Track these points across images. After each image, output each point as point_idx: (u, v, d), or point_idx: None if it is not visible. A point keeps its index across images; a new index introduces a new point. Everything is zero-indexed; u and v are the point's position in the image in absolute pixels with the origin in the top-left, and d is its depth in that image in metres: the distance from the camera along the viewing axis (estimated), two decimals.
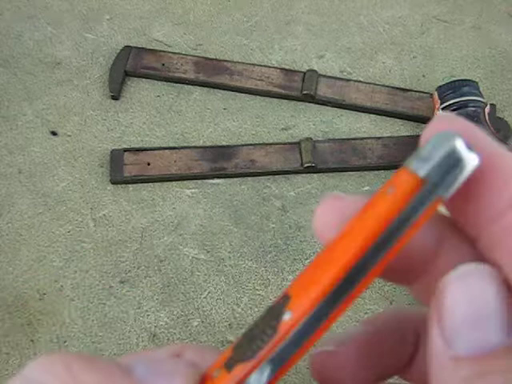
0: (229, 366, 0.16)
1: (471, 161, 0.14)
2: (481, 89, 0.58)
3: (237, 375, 0.16)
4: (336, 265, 0.15)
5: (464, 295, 0.15)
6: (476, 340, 0.14)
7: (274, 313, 0.16)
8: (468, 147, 0.14)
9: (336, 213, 0.16)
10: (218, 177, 0.59)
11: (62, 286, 0.54)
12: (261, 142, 0.61)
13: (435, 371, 0.15)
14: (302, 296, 0.15)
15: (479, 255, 0.16)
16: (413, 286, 0.18)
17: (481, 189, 0.15)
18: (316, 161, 0.59)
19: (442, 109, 0.57)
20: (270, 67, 0.64)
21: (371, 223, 0.15)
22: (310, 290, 0.15)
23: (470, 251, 0.17)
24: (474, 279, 0.15)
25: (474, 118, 0.56)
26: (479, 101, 0.56)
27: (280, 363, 0.16)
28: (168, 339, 0.52)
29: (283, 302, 0.16)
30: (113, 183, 0.58)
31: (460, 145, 0.14)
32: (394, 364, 0.19)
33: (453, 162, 0.14)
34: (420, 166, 0.14)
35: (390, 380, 0.19)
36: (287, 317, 0.15)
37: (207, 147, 0.60)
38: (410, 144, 0.61)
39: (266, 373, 0.16)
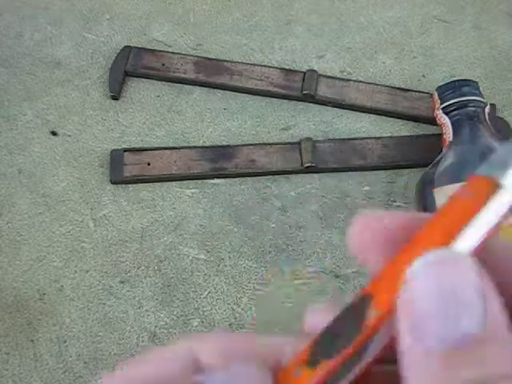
0: (312, 363, 0.16)
1: None
2: (481, 89, 0.58)
3: (322, 372, 0.16)
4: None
5: (435, 284, 0.14)
6: (449, 332, 0.14)
7: (357, 312, 0.16)
8: None
9: (374, 233, 0.16)
10: (218, 177, 0.59)
11: (62, 286, 0.54)
12: (261, 142, 0.60)
13: (408, 368, 0.14)
14: (385, 295, 0.15)
15: None
16: None
17: None
18: (316, 161, 0.59)
19: (442, 109, 0.57)
20: (270, 67, 0.64)
21: (452, 220, 0.15)
22: (392, 290, 0.15)
23: None
24: (446, 266, 0.14)
25: (474, 117, 0.55)
26: (479, 101, 0.56)
27: (364, 361, 0.16)
28: (168, 339, 0.52)
29: (364, 301, 0.16)
30: (113, 183, 0.58)
31: None
32: None
33: None
34: (496, 172, 0.15)
35: None
36: (374, 316, 0.15)
37: (207, 147, 0.60)
38: (410, 144, 0.61)
39: (352, 369, 0.16)
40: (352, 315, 0.16)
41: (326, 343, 0.16)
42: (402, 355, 0.14)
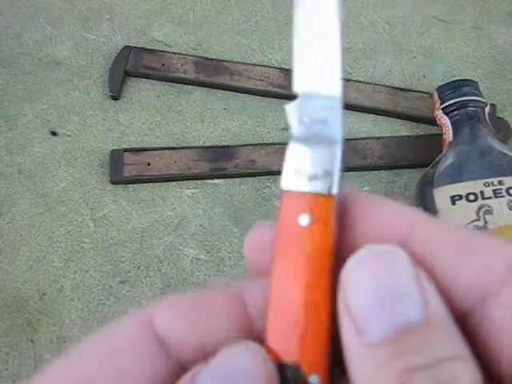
0: None
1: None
2: (481, 89, 0.58)
3: None
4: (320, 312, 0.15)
5: (371, 277, 0.14)
6: (389, 321, 0.14)
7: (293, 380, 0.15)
8: None
9: (260, 239, 0.17)
10: (218, 177, 0.59)
11: (61, 286, 0.54)
12: (261, 142, 0.61)
13: (350, 362, 0.15)
14: (317, 360, 0.15)
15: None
16: None
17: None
18: None
19: (442, 109, 0.57)
20: (270, 67, 0.64)
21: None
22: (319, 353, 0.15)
23: None
24: (380, 259, 0.14)
25: (474, 117, 0.56)
26: (479, 101, 0.56)
27: None
28: None
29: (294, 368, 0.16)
30: (113, 183, 0.58)
31: None
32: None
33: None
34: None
35: None
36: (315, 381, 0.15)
37: (207, 147, 0.60)
38: (410, 144, 0.61)
39: None
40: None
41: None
42: (346, 350, 0.15)
